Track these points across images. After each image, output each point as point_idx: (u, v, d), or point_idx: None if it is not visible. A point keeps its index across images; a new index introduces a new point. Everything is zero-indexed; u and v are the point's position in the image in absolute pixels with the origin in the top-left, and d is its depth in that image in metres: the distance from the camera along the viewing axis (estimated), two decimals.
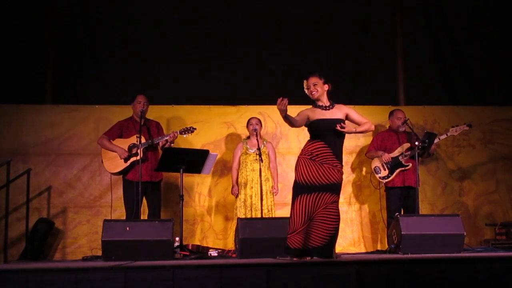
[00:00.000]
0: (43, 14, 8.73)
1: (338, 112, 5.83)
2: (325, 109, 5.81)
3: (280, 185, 7.75)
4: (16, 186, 7.66)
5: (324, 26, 9.15)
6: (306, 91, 5.86)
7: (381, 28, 9.35)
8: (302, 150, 5.82)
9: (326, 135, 5.72)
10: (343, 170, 5.80)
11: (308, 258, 5.53)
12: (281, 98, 5.32)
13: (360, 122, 5.88)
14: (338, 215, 5.66)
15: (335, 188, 5.68)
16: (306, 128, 5.89)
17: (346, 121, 5.89)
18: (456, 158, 8.53)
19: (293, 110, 7.84)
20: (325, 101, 5.85)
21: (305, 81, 5.85)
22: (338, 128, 5.64)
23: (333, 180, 5.64)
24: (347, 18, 9.41)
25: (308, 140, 5.83)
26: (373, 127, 5.98)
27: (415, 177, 7.28)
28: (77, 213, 7.97)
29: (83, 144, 8.08)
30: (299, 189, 5.66)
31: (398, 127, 7.72)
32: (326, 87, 5.84)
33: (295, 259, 5.49)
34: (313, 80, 5.82)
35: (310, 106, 5.90)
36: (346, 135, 5.83)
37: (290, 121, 5.63)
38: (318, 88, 5.80)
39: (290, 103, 7.62)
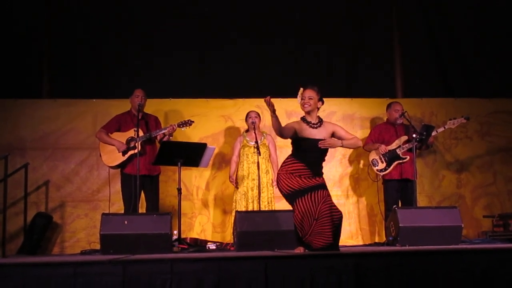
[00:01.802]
0: (40, 8, 8.71)
1: (324, 131, 5.78)
2: (313, 127, 5.77)
3: None
4: (14, 181, 7.65)
5: (321, 19, 9.13)
6: (298, 99, 5.80)
7: (378, 21, 9.34)
8: (281, 167, 5.79)
9: (309, 156, 5.71)
10: (324, 179, 5.80)
11: None
12: (267, 99, 5.38)
13: (347, 138, 5.85)
14: (335, 207, 5.72)
15: (322, 186, 5.70)
16: None
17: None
18: (453, 150, 8.54)
19: (293, 104, 7.88)
20: (314, 117, 5.81)
21: (301, 89, 5.79)
22: (321, 145, 5.65)
23: (317, 181, 5.68)
24: (344, 11, 9.39)
25: (289, 157, 5.79)
26: (360, 143, 6.01)
27: (413, 170, 7.29)
28: (75, 207, 7.98)
29: (81, 138, 8.08)
30: (291, 197, 5.69)
31: (395, 120, 7.71)
32: (319, 104, 5.82)
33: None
34: (310, 93, 5.76)
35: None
36: (340, 122, 5.83)
37: (278, 125, 5.57)
38: (311, 102, 5.75)
39: (286, 96, 7.63)
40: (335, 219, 5.64)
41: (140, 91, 7.28)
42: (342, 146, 5.87)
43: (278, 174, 5.79)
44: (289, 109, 8.12)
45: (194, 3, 9.00)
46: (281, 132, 5.64)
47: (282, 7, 9.03)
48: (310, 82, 5.85)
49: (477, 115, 8.53)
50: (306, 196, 5.61)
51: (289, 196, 5.69)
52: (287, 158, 5.80)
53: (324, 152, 5.78)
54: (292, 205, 5.69)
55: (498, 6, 9.11)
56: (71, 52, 8.85)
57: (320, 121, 5.83)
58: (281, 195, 7.84)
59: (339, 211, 5.72)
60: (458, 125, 7.70)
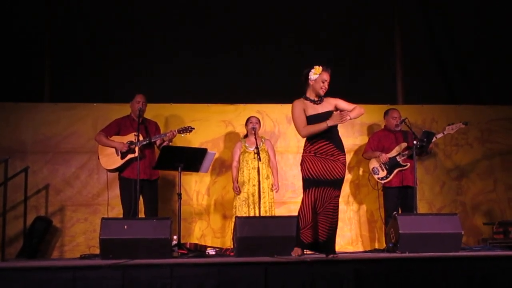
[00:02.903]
0: (41, 12, 8.71)
1: (328, 104, 5.83)
2: (316, 103, 5.81)
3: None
4: (14, 184, 7.63)
5: (322, 24, 9.14)
6: (313, 76, 5.78)
7: (379, 27, 9.35)
8: (305, 149, 5.82)
9: (324, 131, 5.71)
10: (346, 165, 5.87)
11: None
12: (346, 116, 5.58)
13: (350, 109, 5.87)
14: (338, 209, 5.80)
15: (339, 183, 5.77)
16: None
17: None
18: (454, 157, 8.54)
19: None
20: (318, 96, 5.86)
21: (320, 68, 5.77)
22: (329, 123, 5.65)
23: (337, 176, 5.72)
24: (345, 17, 9.40)
25: (309, 139, 5.82)
26: (363, 110, 5.93)
27: (413, 177, 7.28)
28: (75, 211, 7.97)
29: (81, 142, 8.07)
30: (307, 183, 5.73)
31: (394, 127, 7.69)
32: None
33: (307, 252, 5.62)
34: (329, 77, 5.80)
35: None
36: (340, 128, 5.85)
37: (317, 133, 5.69)
38: (328, 87, 5.81)
39: (289, 102, 7.62)
40: (333, 222, 5.72)
41: (142, 97, 7.28)
42: (351, 119, 5.81)
43: (302, 156, 5.80)
44: (290, 115, 8.07)
45: (196, 8, 9.00)
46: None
47: (283, 13, 9.04)
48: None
49: (478, 122, 8.54)
50: (319, 189, 5.65)
51: (306, 181, 5.73)
52: (307, 141, 5.81)
53: (335, 126, 5.78)
54: (304, 191, 5.73)
55: (500, 13, 9.12)
56: (72, 56, 8.85)
57: (321, 98, 5.85)
58: (280, 201, 7.94)
59: (335, 222, 5.77)
60: (456, 130, 7.69)
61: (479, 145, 8.59)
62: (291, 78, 8.66)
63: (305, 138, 5.88)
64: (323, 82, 5.77)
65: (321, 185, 5.67)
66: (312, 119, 5.76)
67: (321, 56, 9.00)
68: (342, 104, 5.89)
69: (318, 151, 5.71)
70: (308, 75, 5.83)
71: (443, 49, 9.50)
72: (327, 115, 5.73)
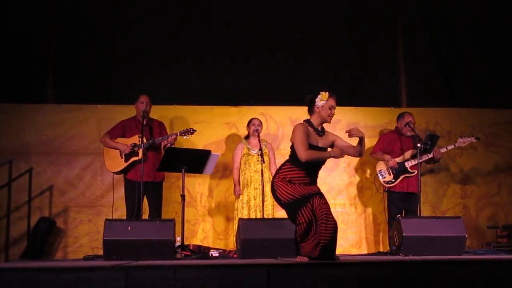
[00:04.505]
0: (43, 13, 8.73)
1: (327, 140, 5.65)
2: (319, 134, 5.60)
3: None
4: (18, 185, 7.67)
5: (326, 27, 9.14)
6: (320, 103, 5.51)
7: (382, 30, 9.34)
8: (278, 174, 5.54)
9: (310, 165, 5.49)
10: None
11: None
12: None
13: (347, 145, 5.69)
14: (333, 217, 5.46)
15: (321, 193, 5.49)
16: None
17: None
18: (458, 161, 8.53)
19: (297, 111, 7.86)
20: (321, 125, 5.66)
21: (326, 94, 5.50)
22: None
23: (315, 189, 5.49)
24: (349, 20, 9.40)
25: (287, 164, 5.55)
26: (357, 154, 5.73)
27: (418, 184, 7.27)
28: (79, 213, 7.98)
29: (85, 143, 8.08)
30: (293, 206, 5.44)
31: (406, 132, 7.61)
32: None
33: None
34: (335, 103, 5.53)
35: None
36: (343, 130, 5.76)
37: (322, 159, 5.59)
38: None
39: (292, 104, 7.63)
40: (329, 229, 5.36)
41: (145, 97, 7.27)
42: (361, 141, 5.53)
43: (274, 182, 5.51)
44: (294, 117, 8.11)
45: (199, 10, 9.01)
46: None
47: (287, 15, 9.04)
48: (324, 88, 5.58)
49: (481, 125, 8.54)
50: (308, 205, 5.37)
51: (290, 205, 5.44)
52: (284, 165, 5.56)
53: (321, 164, 5.64)
54: (295, 215, 5.42)
55: (503, 16, 9.11)
56: (76, 58, 8.86)
57: (323, 129, 5.67)
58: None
59: (334, 220, 5.42)
60: (468, 144, 7.68)
61: (483, 148, 8.57)
62: (294, 80, 8.68)
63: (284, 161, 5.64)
64: (330, 109, 5.51)
65: (307, 201, 5.35)
66: (312, 148, 5.51)
67: (325, 58, 9.03)
68: (340, 142, 5.68)
69: (293, 179, 5.44)
70: (314, 101, 5.55)
71: (446, 51, 9.49)
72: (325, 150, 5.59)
